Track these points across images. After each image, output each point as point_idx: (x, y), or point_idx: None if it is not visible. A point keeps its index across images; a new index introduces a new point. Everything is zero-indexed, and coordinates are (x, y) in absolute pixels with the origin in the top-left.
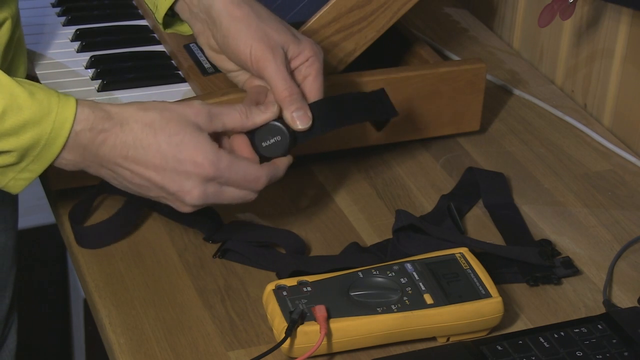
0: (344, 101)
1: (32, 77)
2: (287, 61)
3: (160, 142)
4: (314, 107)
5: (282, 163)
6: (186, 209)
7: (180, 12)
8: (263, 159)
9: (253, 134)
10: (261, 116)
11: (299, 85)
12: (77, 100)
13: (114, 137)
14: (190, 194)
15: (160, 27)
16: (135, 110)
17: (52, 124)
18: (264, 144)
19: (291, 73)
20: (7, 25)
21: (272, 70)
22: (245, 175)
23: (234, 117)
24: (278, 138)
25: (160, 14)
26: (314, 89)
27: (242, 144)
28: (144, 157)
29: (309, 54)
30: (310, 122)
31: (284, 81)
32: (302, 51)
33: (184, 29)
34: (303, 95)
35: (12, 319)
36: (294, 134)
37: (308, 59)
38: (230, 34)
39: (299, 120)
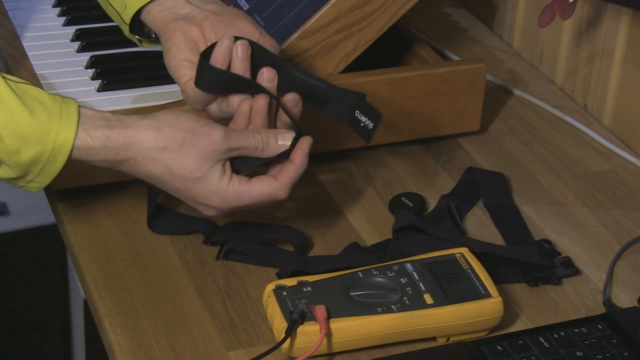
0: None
1: (29, 78)
2: None
3: (175, 181)
4: None
5: (298, 158)
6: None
7: (158, 4)
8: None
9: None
10: (277, 149)
11: None
12: (80, 116)
13: (129, 168)
14: (206, 212)
15: (125, 28)
16: (151, 144)
17: (52, 142)
18: None
19: None
20: None
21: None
22: (259, 198)
23: (251, 149)
24: None
25: (129, 14)
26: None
27: None
28: (159, 184)
29: None
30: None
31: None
32: None
33: (145, 44)
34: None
35: None
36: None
37: None
38: (239, 15)
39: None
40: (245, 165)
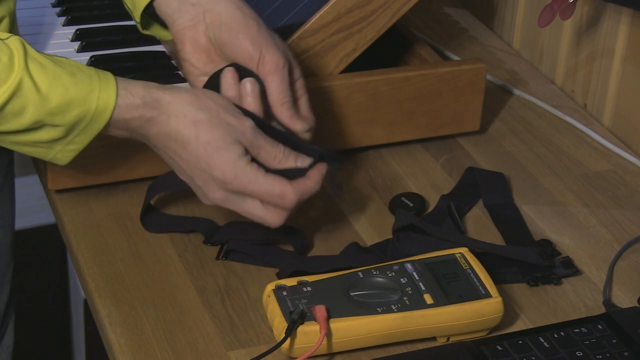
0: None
1: None
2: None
3: (199, 145)
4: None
5: (315, 176)
6: (208, 202)
7: (165, 4)
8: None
9: None
10: (293, 164)
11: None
12: (117, 81)
13: (159, 125)
14: (212, 193)
15: (139, 26)
16: (187, 105)
17: (95, 102)
18: None
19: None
20: (5, 24)
21: (276, 79)
22: (268, 191)
23: (269, 156)
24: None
25: (138, 11)
26: (306, 109)
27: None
28: (180, 150)
29: (299, 73)
30: (306, 125)
31: (284, 92)
32: (295, 68)
33: (162, 33)
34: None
35: (9, 316)
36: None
37: (298, 79)
38: (241, 35)
39: (294, 123)
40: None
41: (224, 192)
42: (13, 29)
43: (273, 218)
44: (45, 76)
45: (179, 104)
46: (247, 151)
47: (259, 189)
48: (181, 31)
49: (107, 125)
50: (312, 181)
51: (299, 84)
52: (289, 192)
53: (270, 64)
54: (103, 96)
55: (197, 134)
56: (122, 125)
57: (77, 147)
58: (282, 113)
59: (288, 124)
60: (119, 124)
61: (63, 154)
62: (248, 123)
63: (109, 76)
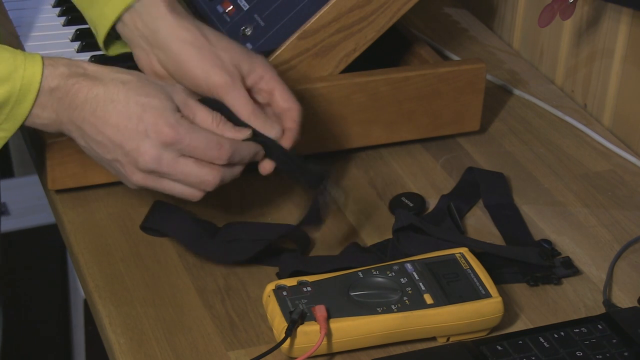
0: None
1: None
2: (243, 79)
3: (129, 102)
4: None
5: (248, 145)
6: (136, 178)
7: (122, 33)
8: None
9: None
10: (231, 133)
11: (264, 104)
12: (43, 57)
13: (87, 90)
14: (144, 155)
15: (103, 49)
16: (114, 72)
17: (21, 79)
18: None
19: (248, 90)
20: None
21: (232, 96)
22: (206, 142)
23: (206, 119)
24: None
25: (100, 39)
26: (285, 99)
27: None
28: (109, 114)
29: (262, 71)
30: (280, 131)
31: (247, 104)
32: (255, 68)
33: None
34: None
35: None
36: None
37: (263, 77)
38: (183, 59)
39: (269, 132)
40: None
41: (158, 150)
42: None
43: (209, 174)
44: None
45: (105, 70)
46: (179, 110)
47: (197, 141)
48: (139, 61)
49: (35, 101)
50: (244, 148)
51: (268, 77)
52: (225, 143)
53: (217, 86)
54: (29, 70)
55: (126, 91)
56: (49, 101)
57: (4, 135)
58: (254, 125)
59: (263, 132)
60: (46, 101)
61: None
62: (179, 86)
63: (35, 54)
